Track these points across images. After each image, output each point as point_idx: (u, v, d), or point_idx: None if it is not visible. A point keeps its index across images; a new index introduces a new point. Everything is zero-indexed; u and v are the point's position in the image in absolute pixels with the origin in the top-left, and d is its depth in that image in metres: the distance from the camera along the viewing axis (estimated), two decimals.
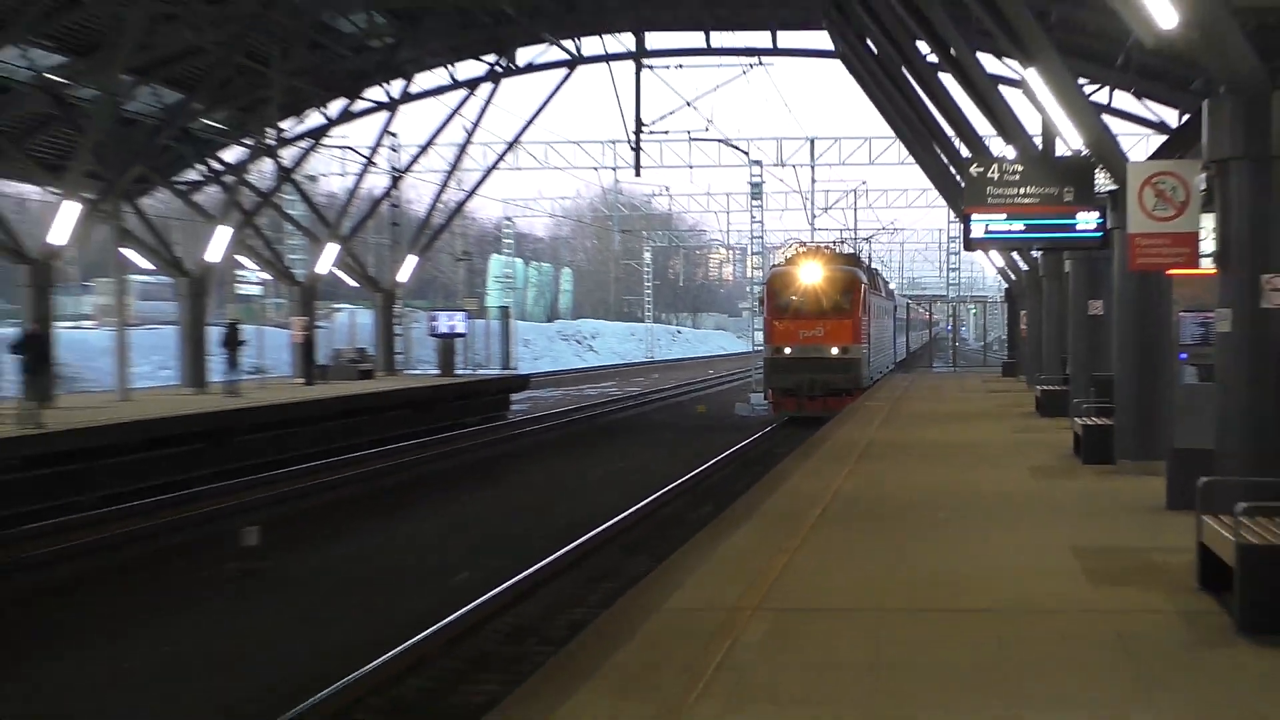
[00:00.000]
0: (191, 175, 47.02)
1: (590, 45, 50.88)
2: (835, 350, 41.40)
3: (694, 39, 50.63)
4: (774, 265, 49.96)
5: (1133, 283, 20.43)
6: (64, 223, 36.55)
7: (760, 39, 49.86)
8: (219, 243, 44.98)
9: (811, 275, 42.68)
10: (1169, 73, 32.73)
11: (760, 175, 71.71)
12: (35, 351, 29.88)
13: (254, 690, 13.43)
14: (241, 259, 47.21)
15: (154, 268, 46.45)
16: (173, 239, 46.03)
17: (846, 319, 41.63)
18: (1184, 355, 17.63)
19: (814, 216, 79.80)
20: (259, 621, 17.28)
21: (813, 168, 76.00)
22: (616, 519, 23.12)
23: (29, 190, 41.70)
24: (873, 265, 61.35)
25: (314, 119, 49.51)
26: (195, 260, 44.79)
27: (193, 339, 44.20)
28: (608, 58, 50.98)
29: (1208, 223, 16.24)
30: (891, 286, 76.83)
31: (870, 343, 45.06)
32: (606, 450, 39.23)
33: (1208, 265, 16.09)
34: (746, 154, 71.62)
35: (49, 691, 14.27)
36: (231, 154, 46.57)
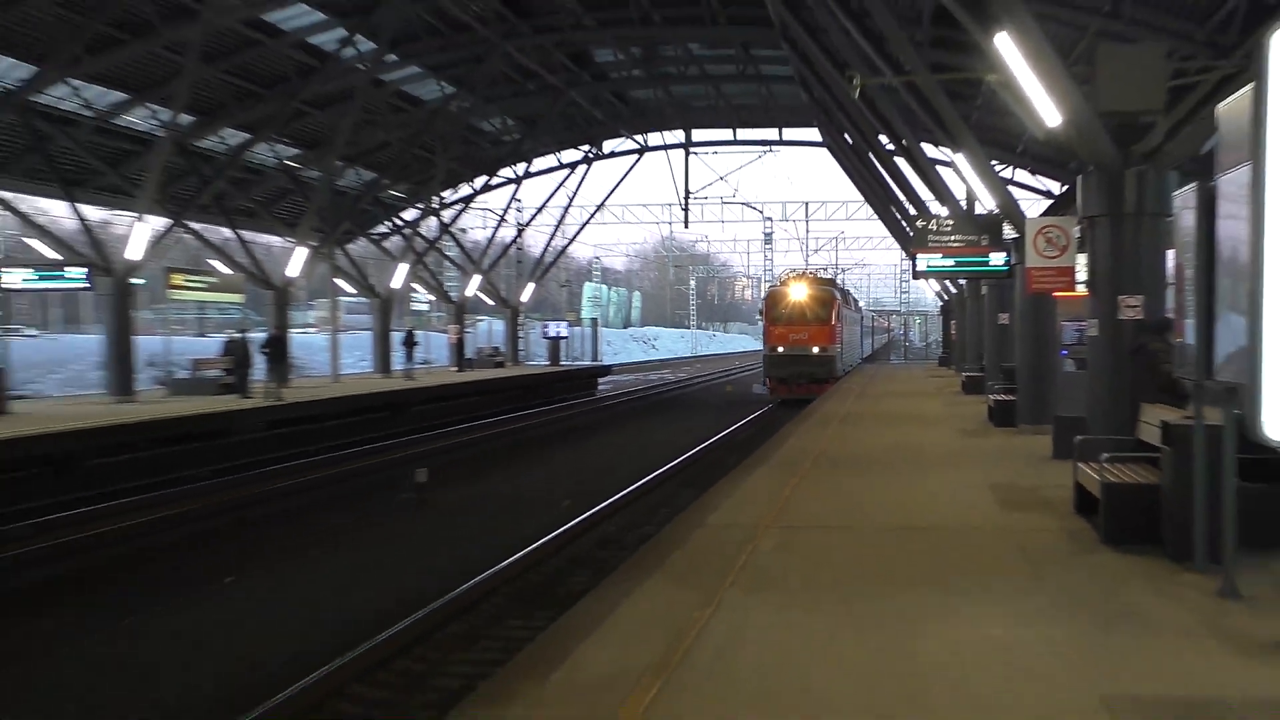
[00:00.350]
0: (381, 229, 47.24)
1: (654, 138, 51.13)
2: (815, 349, 40.45)
3: (725, 134, 50.77)
4: (770, 286, 49.90)
5: (1029, 302, 20.38)
6: (296, 262, 36.86)
7: (771, 134, 50.05)
8: (399, 275, 45.22)
9: (798, 294, 41.74)
10: (1054, 157, 32.44)
11: (770, 227, 73.09)
12: (276, 349, 30.10)
13: (427, 578, 13.51)
14: (415, 285, 47.33)
15: (355, 292, 46.74)
16: (368, 272, 46.19)
17: (824, 326, 40.74)
18: (1065, 352, 17.65)
19: (808, 255, 79.62)
20: (428, 534, 17.41)
21: (807, 222, 76.51)
22: (671, 465, 23.13)
23: (274, 240, 41.95)
24: (846, 287, 60.56)
25: (464, 190, 49.74)
26: (383, 287, 44.98)
27: (381, 340, 44.43)
28: (666, 147, 51.55)
29: (1082, 260, 16.20)
30: (861, 303, 76.16)
31: (843, 344, 43.98)
32: (663, 417, 39.22)
33: (1081, 289, 16.05)
34: (761, 212, 72.74)
35: (301, 581, 14.39)
36: (408, 214, 46.73)
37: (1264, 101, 5.60)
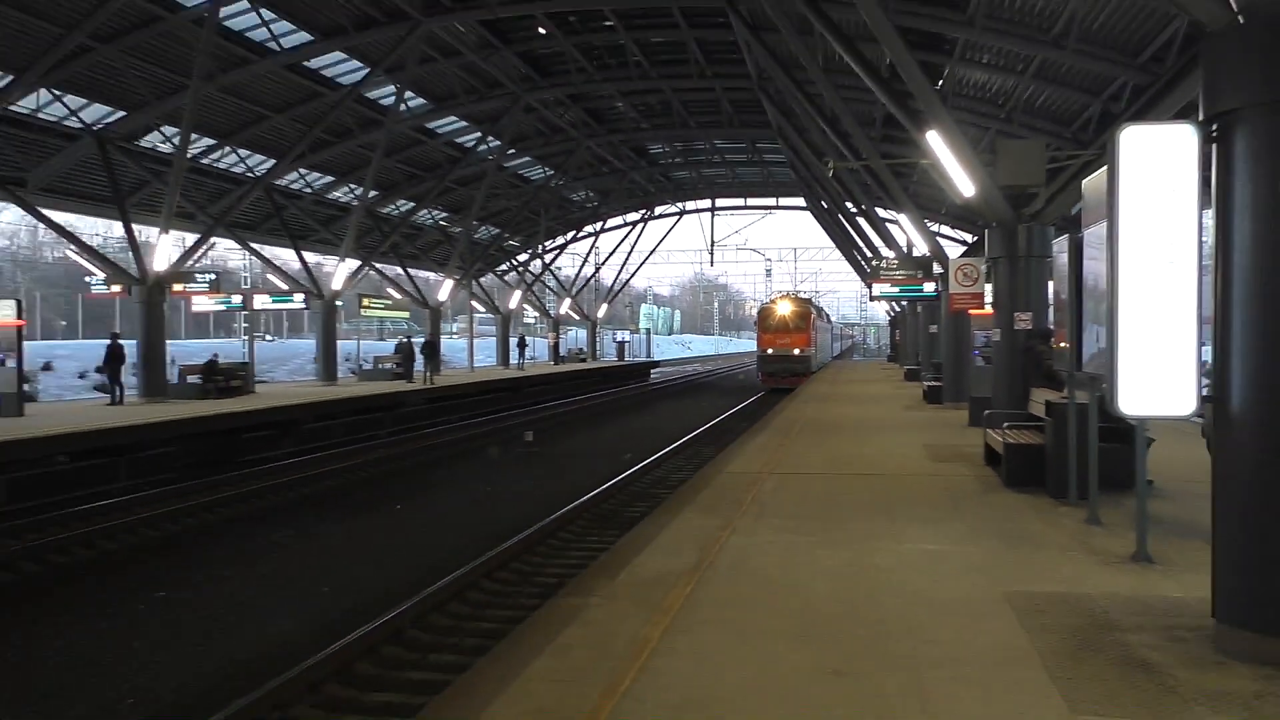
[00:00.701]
0: (503, 267, 47.43)
1: (689, 205, 51.01)
2: (796, 351, 38.32)
3: (738, 201, 50.53)
4: (761, 303, 48.97)
5: (952, 318, 20.13)
6: (445, 289, 37.09)
7: (770, 201, 49.77)
8: (515, 298, 45.37)
9: (783, 309, 39.54)
10: (967, 215, 32.07)
11: (770, 266, 72.24)
12: (432, 349, 30.29)
13: (532, 504, 13.56)
14: (525, 305, 47.50)
15: (485, 310, 46.94)
16: (494, 296, 46.38)
17: (802, 334, 38.81)
18: (976, 352, 17.36)
19: (796, 284, 79.31)
20: (537, 474, 17.46)
21: (795, 261, 76.55)
22: (700, 429, 23.01)
23: (430, 274, 42.24)
24: (820, 305, 59.45)
25: (559, 240, 49.86)
26: (504, 306, 45.17)
27: (502, 343, 44.59)
28: (698, 210, 51.30)
29: (988, 288, 16.02)
30: (832, 317, 75.31)
31: (817, 347, 42.12)
32: (694, 397, 39.12)
33: (988, 309, 15.87)
34: (764, 255, 72.12)
35: (440, 506, 14.49)
36: (521, 256, 46.90)
37: (1115, 176, 5.56)
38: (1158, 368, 5.03)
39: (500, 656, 4.85)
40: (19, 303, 18.91)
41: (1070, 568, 6.43)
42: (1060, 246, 8.24)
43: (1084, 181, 6.98)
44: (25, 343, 19.36)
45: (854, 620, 5.31)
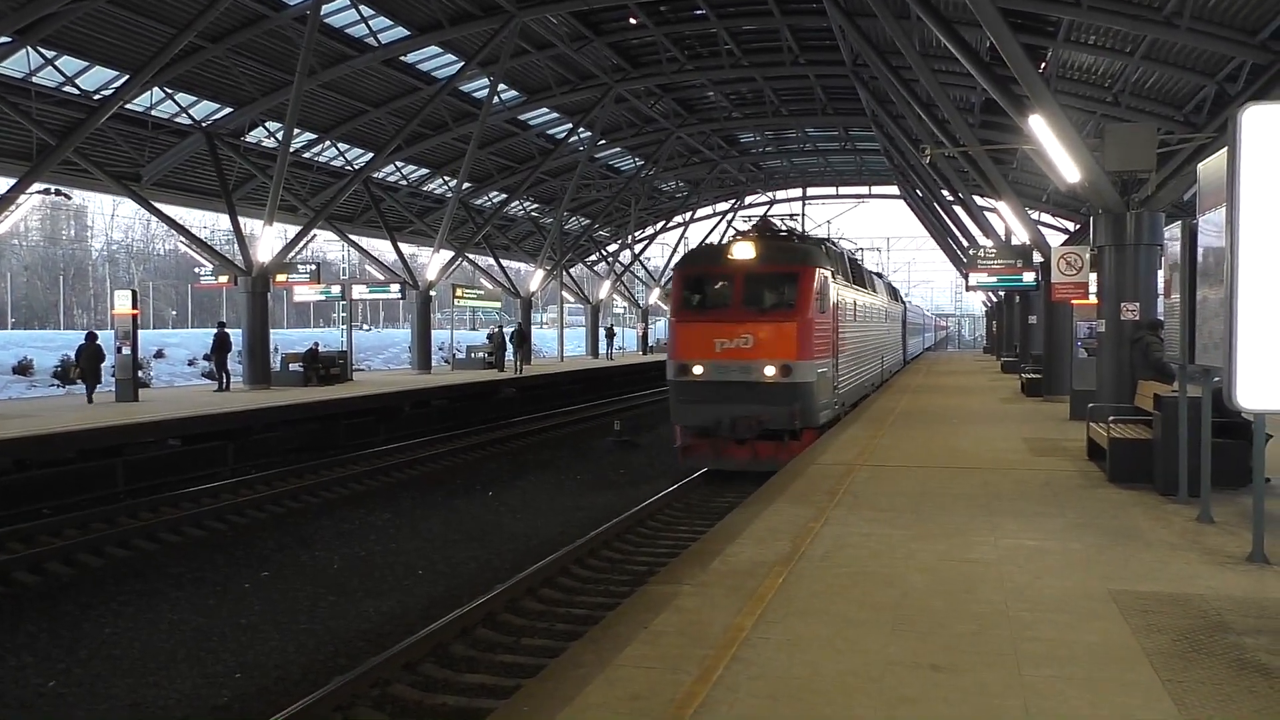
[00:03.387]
0: (593, 257, 47.72)
1: (780, 194, 50.56)
2: (769, 370, 31.27)
3: (829, 190, 49.84)
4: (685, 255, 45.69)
5: (1053, 307, 19.55)
6: (536, 280, 37.52)
7: (862, 190, 48.95)
8: (604, 288, 45.63)
9: (740, 256, 35.97)
10: (1069, 203, 31.02)
11: (861, 256, 70.89)
12: (522, 338, 30.74)
13: (616, 493, 13.64)
14: (615, 296, 47.69)
15: (574, 300, 47.32)
16: (584, 286, 46.68)
17: (791, 320, 34.32)
18: (1079, 343, 16.82)
19: (888, 273, 77.51)
20: (628, 463, 17.57)
21: (888, 251, 74.68)
22: None
23: (522, 265, 42.77)
24: (860, 262, 56.08)
25: (649, 230, 49.89)
26: (594, 296, 45.47)
27: (592, 334, 44.90)
28: (790, 200, 50.66)
29: (1092, 277, 15.53)
30: (922, 306, 73.18)
31: (839, 356, 33.94)
32: None
33: (1092, 299, 15.39)
34: (855, 245, 70.82)
35: (529, 491, 14.69)
36: (611, 247, 47.12)
37: (1236, 159, 5.32)
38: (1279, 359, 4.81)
39: (594, 641, 4.90)
40: (134, 293, 19.83)
41: (1180, 566, 6.19)
42: (1174, 234, 7.92)
43: (1200, 165, 6.70)
44: (139, 331, 20.28)
45: (952, 614, 5.20)
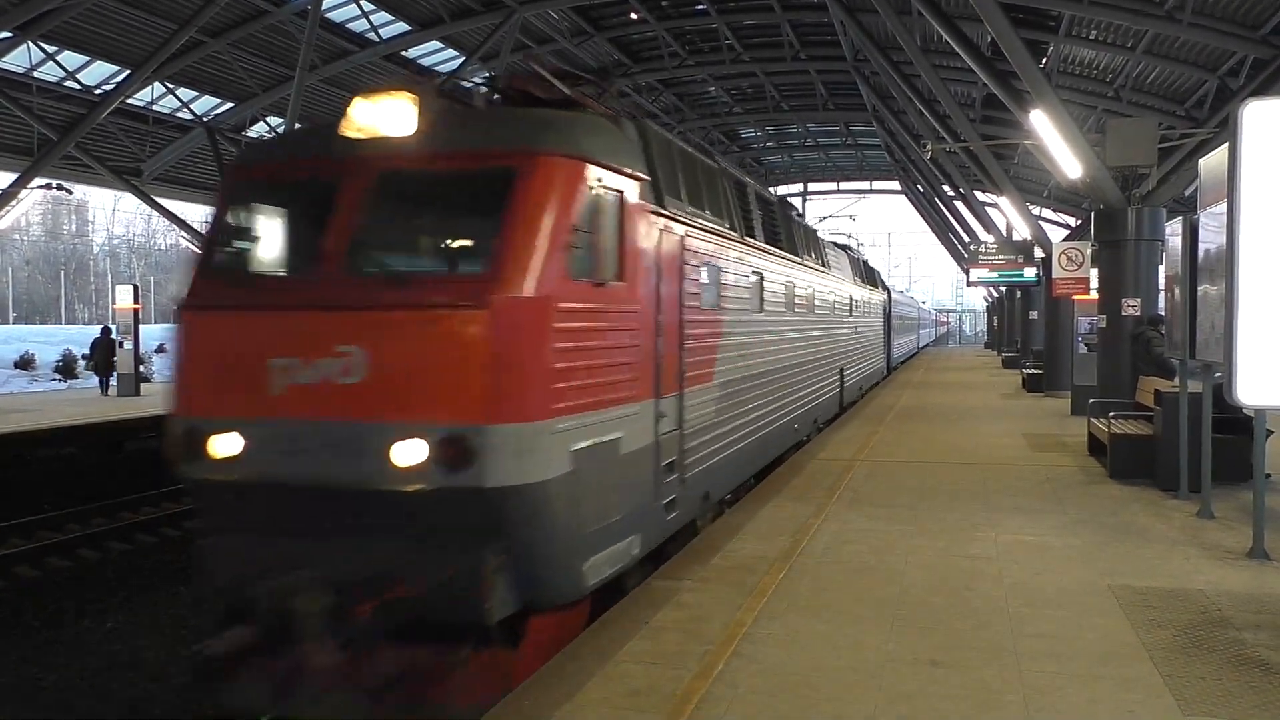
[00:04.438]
0: None
1: (781, 190, 50.42)
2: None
3: (831, 186, 49.80)
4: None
5: (1054, 303, 19.55)
6: None
7: (863, 185, 48.91)
8: None
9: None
10: (1070, 198, 30.99)
11: (862, 248, 71.35)
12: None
13: None
14: None
15: None
16: None
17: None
18: (1079, 339, 16.82)
19: (889, 272, 78.09)
20: None
21: (889, 247, 74.99)
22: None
23: None
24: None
25: None
26: None
27: None
28: (791, 196, 50.56)
29: (1093, 273, 15.54)
30: (924, 301, 73.29)
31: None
32: None
33: (1093, 294, 15.39)
34: (857, 240, 71.12)
35: None
36: None
37: (1237, 154, 5.32)
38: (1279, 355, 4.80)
39: (595, 636, 4.90)
40: (135, 288, 19.85)
41: (1181, 562, 6.19)
42: (1174, 229, 7.92)
43: (1201, 160, 6.69)
44: (141, 326, 20.29)
45: (951, 610, 5.20)
